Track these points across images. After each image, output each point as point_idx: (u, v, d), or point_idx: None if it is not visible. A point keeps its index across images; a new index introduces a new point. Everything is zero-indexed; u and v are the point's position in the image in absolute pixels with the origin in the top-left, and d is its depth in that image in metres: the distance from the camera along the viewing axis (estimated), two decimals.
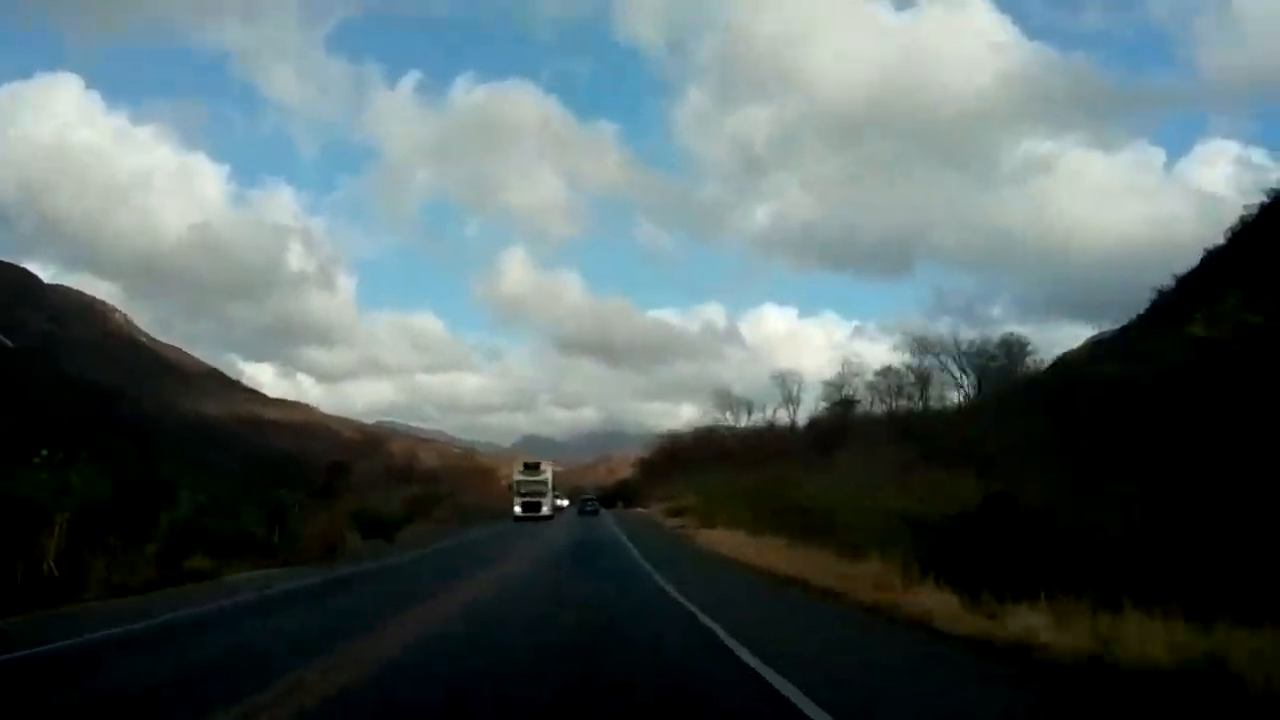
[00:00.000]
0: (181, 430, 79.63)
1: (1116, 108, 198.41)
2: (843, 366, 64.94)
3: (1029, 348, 51.75)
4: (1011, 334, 55.21)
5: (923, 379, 55.13)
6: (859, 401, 61.39)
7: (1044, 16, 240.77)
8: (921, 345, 55.90)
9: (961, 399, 51.39)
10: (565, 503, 75.33)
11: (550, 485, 59.66)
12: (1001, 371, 49.71)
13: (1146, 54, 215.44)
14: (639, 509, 72.51)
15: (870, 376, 60.68)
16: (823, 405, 65.28)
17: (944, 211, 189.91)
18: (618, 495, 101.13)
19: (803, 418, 70.60)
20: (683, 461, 75.03)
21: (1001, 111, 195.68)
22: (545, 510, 57.69)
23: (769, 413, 76.10)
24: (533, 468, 60.56)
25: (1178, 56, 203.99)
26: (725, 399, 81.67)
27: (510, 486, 62.71)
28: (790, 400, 74.10)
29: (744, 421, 79.16)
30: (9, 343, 79.52)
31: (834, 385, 64.31)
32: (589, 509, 78.13)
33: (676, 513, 47.76)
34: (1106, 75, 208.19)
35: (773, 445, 60.30)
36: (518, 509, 57.35)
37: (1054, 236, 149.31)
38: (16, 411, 44.97)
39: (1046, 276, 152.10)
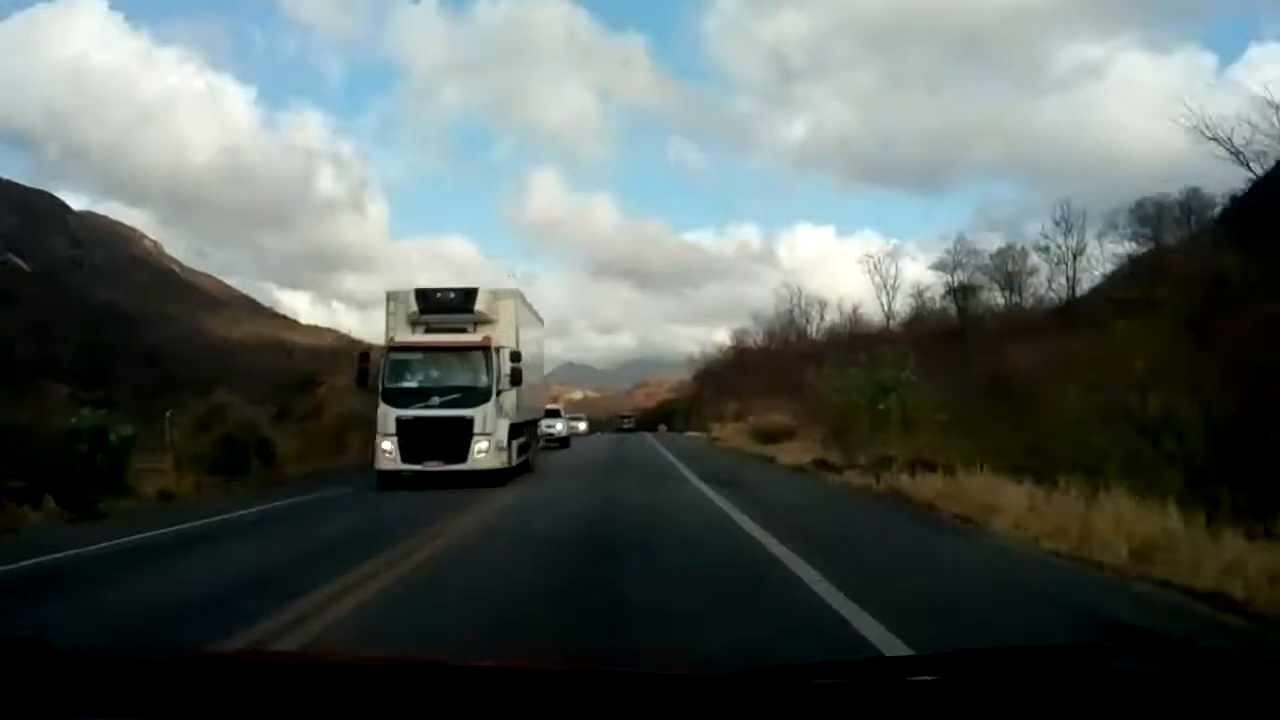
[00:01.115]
0: (204, 355, 76.66)
1: (1166, 8, 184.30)
2: (954, 245, 53.91)
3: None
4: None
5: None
6: (980, 288, 51.64)
7: None
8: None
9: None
10: (583, 426, 65.80)
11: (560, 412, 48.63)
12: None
13: None
14: (691, 433, 60.93)
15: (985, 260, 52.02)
16: (924, 297, 54.85)
17: (986, 121, 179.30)
18: (660, 419, 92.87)
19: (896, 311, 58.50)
20: (751, 371, 62.01)
21: (1045, 14, 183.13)
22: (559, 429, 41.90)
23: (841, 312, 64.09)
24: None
25: None
26: (794, 296, 69.83)
27: None
28: (886, 288, 59.89)
29: (818, 322, 67.40)
30: (25, 266, 75.65)
31: (944, 267, 53.44)
32: (626, 427, 78.11)
33: (769, 437, 33.75)
34: None
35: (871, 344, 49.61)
36: None
37: (1102, 147, 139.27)
38: (33, 335, 42.56)
39: (1094, 189, 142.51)
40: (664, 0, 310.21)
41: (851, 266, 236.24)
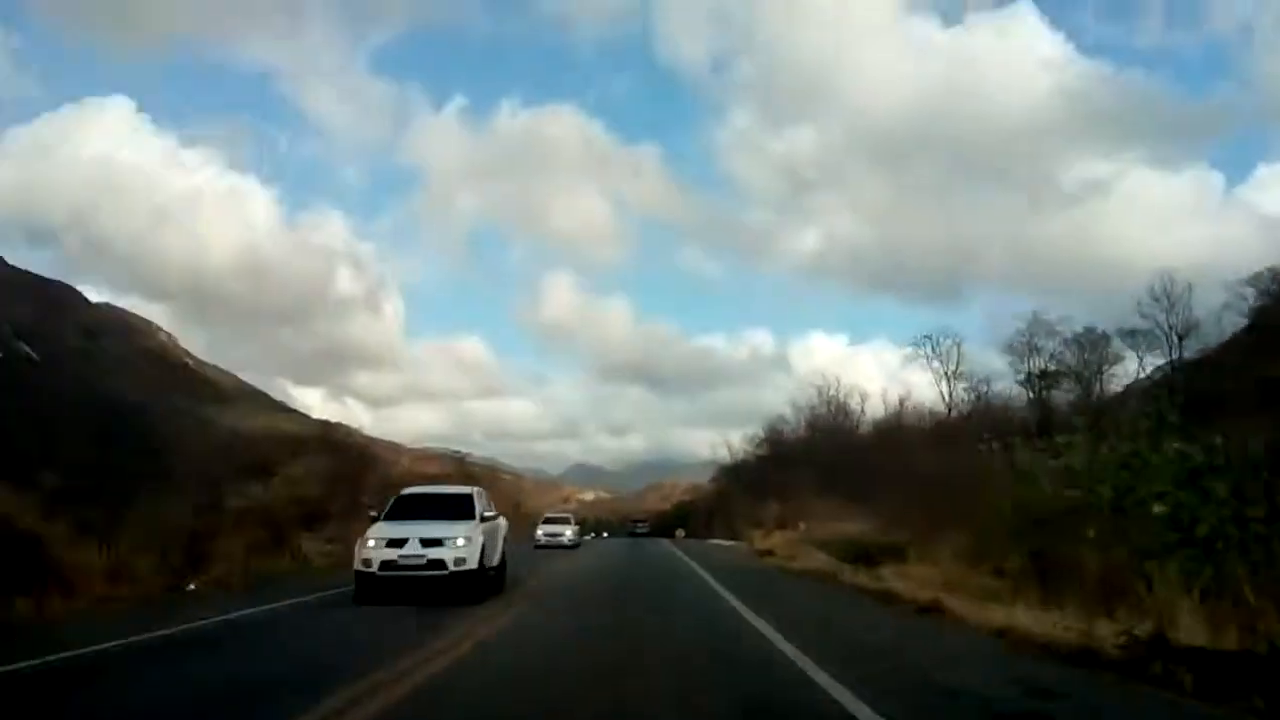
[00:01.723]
0: (207, 446, 74.73)
1: (1177, 126, 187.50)
2: (1029, 325, 48.66)
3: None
4: None
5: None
6: (1063, 374, 47.17)
7: (1099, 32, 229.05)
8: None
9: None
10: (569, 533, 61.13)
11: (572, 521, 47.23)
12: None
13: (1208, 71, 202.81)
14: (720, 541, 52.55)
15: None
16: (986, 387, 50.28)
17: (996, 234, 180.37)
18: (676, 523, 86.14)
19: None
20: (791, 467, 52.15)
21: (1055, 131, 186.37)
22: (568, 537, 41.54)
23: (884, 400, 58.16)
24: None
25: (1240, 73, 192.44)
26: (830, 387, 62.47)
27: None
28: (946, 374, 53.76)
29: (858, 415, 60.89)
30: (34, 355, 75.20)
31: (1015, 351, 48.73)
32: (640, 531, 73.21)
33: (863, 556, 22.86)
34: (1166, 92, 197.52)
35: (941, 436, 41.61)
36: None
37: (1111, 260, 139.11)
38: (28, 422, 41.10)
39: (1102, 302, 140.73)
40: (678, 113, 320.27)
41: (865, 373, 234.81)
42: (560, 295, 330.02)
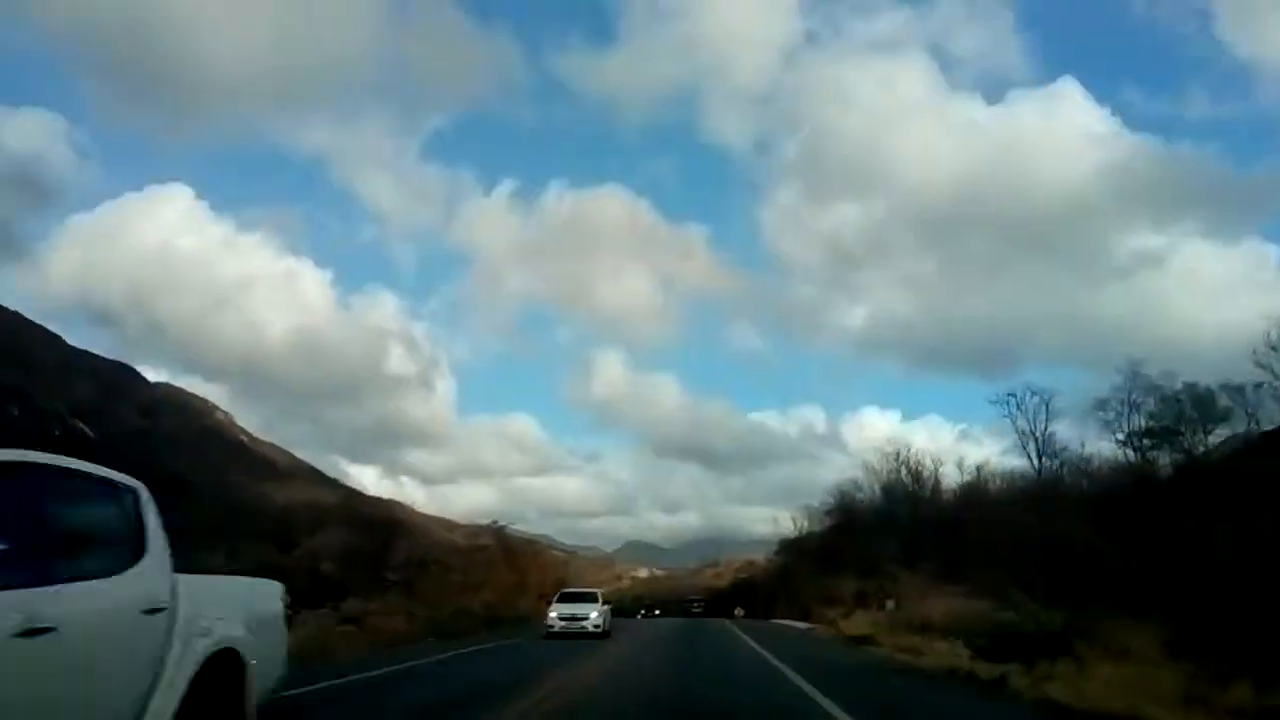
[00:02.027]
0: (261, 520, 74.03)
1: (1228, 200, 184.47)
2: (1128, 379, 43.64)
3: None
4: None
5: None
6: (1180, 433, 41.92)
7: (1145, 106, 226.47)
8: None
9: None
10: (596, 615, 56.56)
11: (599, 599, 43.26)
12: None
13: (1258, 143, 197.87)
14: (785, 621, 47.82)
15: None
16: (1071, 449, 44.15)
17: (1047, 309, 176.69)
18: (733, 600, 79.40)
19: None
20: (865, 536, 48.53)
21: (1103, 206, 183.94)
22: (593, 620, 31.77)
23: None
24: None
25: None
26: (901, 453, 57.01)
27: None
28: (1034, 434, 45.59)
29: (930, 483, 55.16)
30: (90, 432, 74.14)
31: (1108, 408, 42.78)
32: (695, 611, 71.05)
33: (1002, 648, 16.43)
34: (1215, 166, 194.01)
35: (1036, 500, 36.47)
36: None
37: (1165, 333, 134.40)
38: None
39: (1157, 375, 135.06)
40: (723, 192, 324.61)
41: (919, 449, 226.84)
42: (610, 372, 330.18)
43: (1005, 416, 50.64)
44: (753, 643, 26.40)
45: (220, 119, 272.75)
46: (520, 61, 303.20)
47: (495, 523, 54.91)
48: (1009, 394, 51.40)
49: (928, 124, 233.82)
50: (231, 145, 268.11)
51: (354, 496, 73.29)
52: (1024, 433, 49.79)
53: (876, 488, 57.12)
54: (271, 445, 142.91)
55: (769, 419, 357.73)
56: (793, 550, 68.52)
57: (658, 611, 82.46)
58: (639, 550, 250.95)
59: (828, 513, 61.84)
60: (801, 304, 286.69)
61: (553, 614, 29.31)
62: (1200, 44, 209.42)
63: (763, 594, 73.87)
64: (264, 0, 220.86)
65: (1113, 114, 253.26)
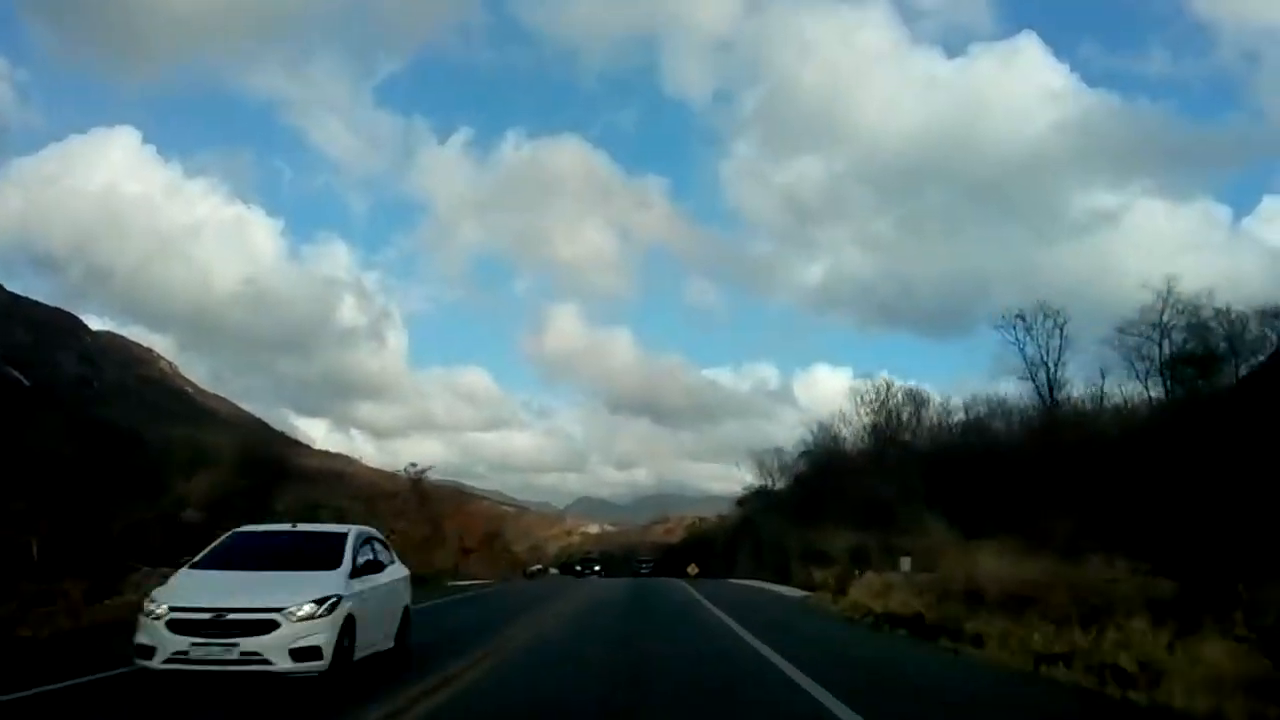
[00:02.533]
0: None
1: (1184, 156, 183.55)
2: (1164, 299, 39.72)
3: None
4: None
5: None
6: (1221, 358, 36.14)
7: (1104, 63, 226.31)
8: None
9: None
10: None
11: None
12: None
13: (1216, 101, 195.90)
14: (749, 582, 40.51)
15: None
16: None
17: (1004, 267, 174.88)
18: (686, 558, 70.52)
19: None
20: (848, 477, 40.79)
21: (1062, 162, 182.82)
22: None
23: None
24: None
25: (1248, 103, 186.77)
26: (881, 391, 49.92)
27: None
28: (1045, 363, 41.95)
29: (913, 424, 47.39)
30: (24, 380, 72.54)
31: (1134, 330, 38.42)
32: (644, 572, 66.55)
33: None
34: (1173, 123, 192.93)
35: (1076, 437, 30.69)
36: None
37: (1120, 293, 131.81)
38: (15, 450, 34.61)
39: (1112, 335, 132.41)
40: (682, 144, 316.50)
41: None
42: (565, 326, 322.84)
43: (1011, 343, 43.74)
44: (734, 624, 17.03)
45: (168, 60, 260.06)
46: (479, 2, 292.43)
47: (412, 466, 46.13)
48: (1017, 314, 44.27)
49: (888, 77, 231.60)
50: (180, 88, 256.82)
51: (251, 436, 64.16)
52: (1034, 361, 43.13)
53: (863, 426, 48.60)
54: (216, 396, 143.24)
55: (722, 375, 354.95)
56: (758, 501, 59.61)
57: (598, 569, 74.05)
58: (590, 506, 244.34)
59: (803, 454, 52.36)
60: (759, 259, 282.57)
61: None
62: (1160, 1, 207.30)
63: (719, 550, 68.06)
64: None
65: (1072, 69, 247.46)
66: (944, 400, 48.54)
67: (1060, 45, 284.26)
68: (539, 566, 69.45)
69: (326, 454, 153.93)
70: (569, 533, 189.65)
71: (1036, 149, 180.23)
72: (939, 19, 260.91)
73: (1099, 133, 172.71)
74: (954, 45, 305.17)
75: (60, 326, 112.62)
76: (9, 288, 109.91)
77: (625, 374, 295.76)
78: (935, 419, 46.19)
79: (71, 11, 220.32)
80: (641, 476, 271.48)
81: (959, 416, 44.57)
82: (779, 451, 56.99)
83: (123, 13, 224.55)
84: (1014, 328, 43.19)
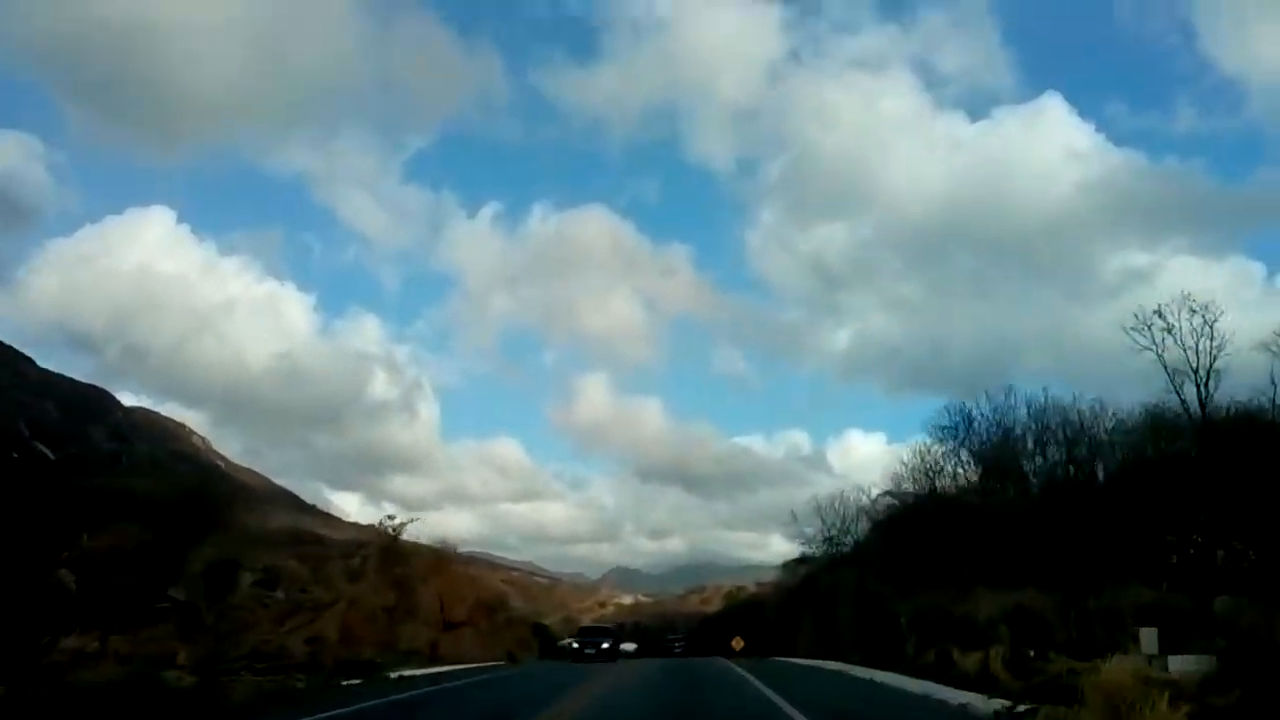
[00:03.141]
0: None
1: (1214, 214, 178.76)
2: None
3: None
4: None
5: None
6: None
7: (1130, 122, 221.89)
8: None
9: None
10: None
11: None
12: None
13: (1245, 157, 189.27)
14: (832, 665, 29.77)
15: None
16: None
17: (1035, 328, 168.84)
18: (726, 632, 60.85)
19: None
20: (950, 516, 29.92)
21: (1090, 222, 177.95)
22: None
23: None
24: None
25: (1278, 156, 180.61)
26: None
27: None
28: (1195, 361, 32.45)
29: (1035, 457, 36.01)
30: (49, 453, 74.18)
31: None
32: (677, 650, 62.60)
33: None
34: (1201, 179, 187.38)
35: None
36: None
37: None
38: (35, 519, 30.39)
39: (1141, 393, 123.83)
40: (707, 212, 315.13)
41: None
42: (594, 396, 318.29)
43: (1146, 348, 33.22)
44: None
45: (201, 140, 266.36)
46: (502, 78, 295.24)
47: (389, 519, 36.17)
48: (1154, 311, 33.73)
49: (912, 142, 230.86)
50: (213, 167, 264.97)
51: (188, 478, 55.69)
52: (1176, 370, 32.48)
53: (960, 459, 36.55)
54: (249, 470, 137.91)
55: (754, 443, 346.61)
56: (824, 556, 47.61)
57: (607, 645, 59.81)
58: (624, 576, 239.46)
59: (886, 494, 39.74)
60: (785, 326, 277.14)
61: None
62: (1185, 58, 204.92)
63: (771, 619, 56.92)
64: (243, 17, 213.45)
65: (1098, 129, 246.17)
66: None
67: (1085, 105, 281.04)
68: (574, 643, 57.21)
69: (357, 526, 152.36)
70: (602, 604, 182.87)
71: (1064, 209, 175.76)
72: (961, 83, 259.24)
73: (1127, 191, 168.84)
74: (977, 108, 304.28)
75: (92, 402, 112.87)
76: (43, 365, 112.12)
77: (655, 443, 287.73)
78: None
79: (104, 93, 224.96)
80: (675, 546, 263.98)
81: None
82: (845, 498, 45.69)
83: (155, 93, 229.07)
84: (1147, 328, 32.91)
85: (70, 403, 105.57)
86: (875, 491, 40.74)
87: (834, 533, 45.16)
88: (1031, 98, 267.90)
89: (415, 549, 34.38)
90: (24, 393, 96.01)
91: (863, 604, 29.80)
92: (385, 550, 32.94)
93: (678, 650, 64.28)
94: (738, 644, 54.24)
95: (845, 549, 43.41)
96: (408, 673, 23.17)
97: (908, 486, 37.97)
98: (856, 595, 31.37)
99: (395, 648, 27.73)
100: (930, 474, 34.80)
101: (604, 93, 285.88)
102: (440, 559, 35.86)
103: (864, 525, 42.59)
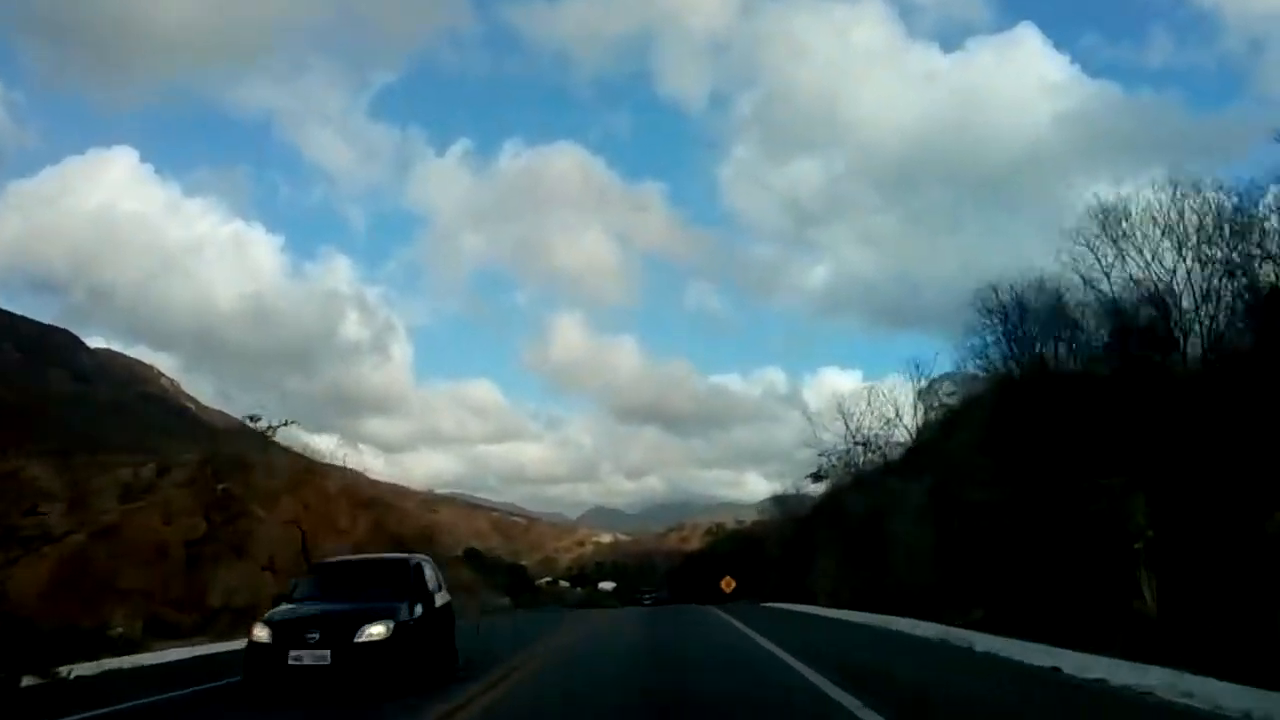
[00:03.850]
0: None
1: (1189, 146, 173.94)
2: None
3: None
4: None
5: None
6: None
7: (1106, 53, 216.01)
8: None
9: None
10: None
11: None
12: None
13: (1221, 90, 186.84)
14: (891, 619, 19.07)
15: None
16: None
17: (1008, 263, 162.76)
18: (713, 574, 53.87)
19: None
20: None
21: (1066, 155, 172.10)
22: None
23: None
24: None
25: (1253, 90, 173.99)
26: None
27: None
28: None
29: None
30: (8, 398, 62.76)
31: None
32: (647, 603, 55.53)
33: None
34: (1176, 112, 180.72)
35: None
36: None
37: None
38: None
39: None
40: (679, 148, 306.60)
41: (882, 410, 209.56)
42: (569, 335, 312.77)
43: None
44: None
45: (161, 77, 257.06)
46: (470, 9, 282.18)
47: (251, 419, 24.04)
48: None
49: (885, 74, 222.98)
50: (175, 105, 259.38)
51: None
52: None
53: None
54: (219, 413, 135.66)
55: (731, 381, 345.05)
56: (852, 479, 34.84)
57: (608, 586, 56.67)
58: (603, 516, 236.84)
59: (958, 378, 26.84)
60: (760, 262, 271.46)
61: None
62: None
63: (771, 560, 47.37)
64: None
65: (1073, 60, 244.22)
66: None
67: (1060, 36, 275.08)
68: None
69: (330, 467, 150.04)
70: (581, 543, 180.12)
71: (1039, 142, 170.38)
72: (935, 13, 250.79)
73: (1102, 123, 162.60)
74: (951, 39, 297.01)
75: (55, 344, 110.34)
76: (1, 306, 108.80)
77: (631, 382, 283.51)
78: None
79: (61, 30, 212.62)
80: (653, 485, 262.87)
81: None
82: (878, 392, 33.60)
83: (114, 31, 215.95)
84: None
85: (31, 344, 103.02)
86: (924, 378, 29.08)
87: (870, 435, 32.25)
88: (1006, 28, 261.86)
89: (267, 461, 23.02)
90: None
91: (965, 521, 17.89)
92: (209, 461, 21.56)
93: (648, 602, 56.18)
94: (728, 585, 48.03)
95: (885, 458, 31.16)
96: (120, 663, 12.50)
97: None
98: (941, 511, 19.01)
99: (201, 604, 16.99)
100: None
101: (573, 25, 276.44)
102: (309, 472, 24.07)
103: (912, 423, 30.59)
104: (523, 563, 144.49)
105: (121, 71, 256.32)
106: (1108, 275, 19.93)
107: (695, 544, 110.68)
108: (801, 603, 31.93)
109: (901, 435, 30.62)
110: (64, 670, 11.40)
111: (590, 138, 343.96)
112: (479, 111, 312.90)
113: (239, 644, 11.43)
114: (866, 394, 32.99)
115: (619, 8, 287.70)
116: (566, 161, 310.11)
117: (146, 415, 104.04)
